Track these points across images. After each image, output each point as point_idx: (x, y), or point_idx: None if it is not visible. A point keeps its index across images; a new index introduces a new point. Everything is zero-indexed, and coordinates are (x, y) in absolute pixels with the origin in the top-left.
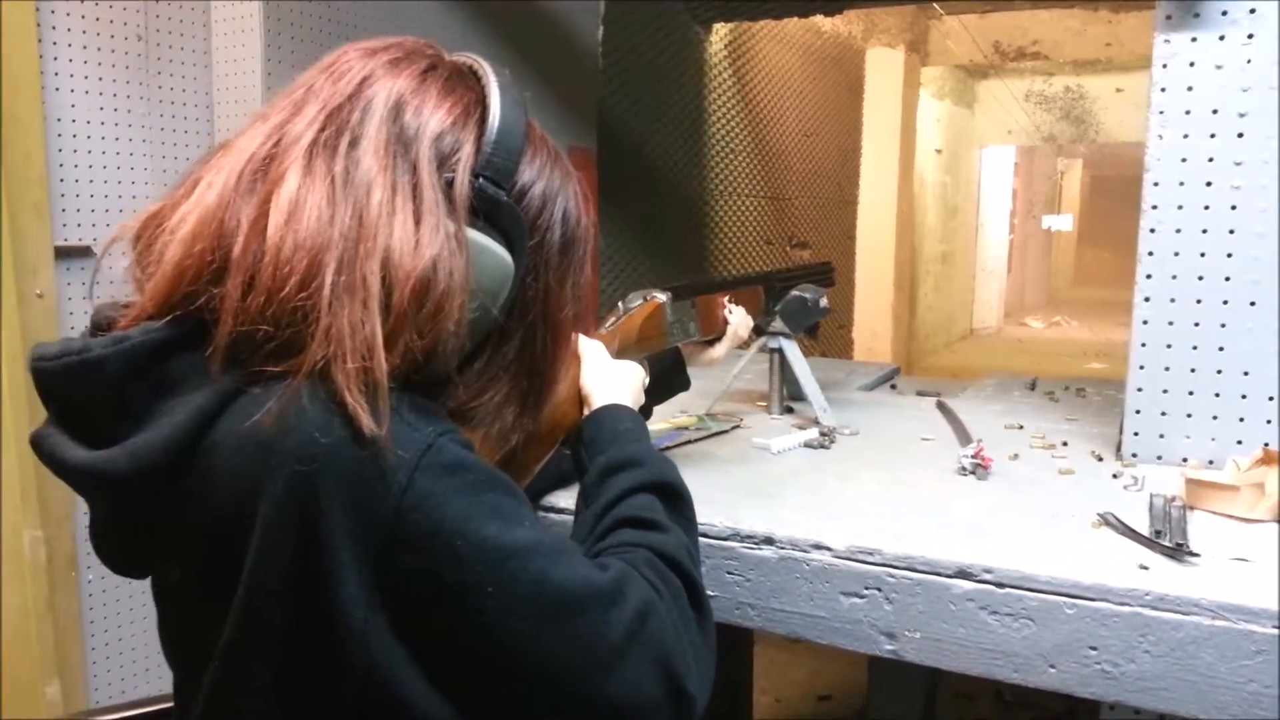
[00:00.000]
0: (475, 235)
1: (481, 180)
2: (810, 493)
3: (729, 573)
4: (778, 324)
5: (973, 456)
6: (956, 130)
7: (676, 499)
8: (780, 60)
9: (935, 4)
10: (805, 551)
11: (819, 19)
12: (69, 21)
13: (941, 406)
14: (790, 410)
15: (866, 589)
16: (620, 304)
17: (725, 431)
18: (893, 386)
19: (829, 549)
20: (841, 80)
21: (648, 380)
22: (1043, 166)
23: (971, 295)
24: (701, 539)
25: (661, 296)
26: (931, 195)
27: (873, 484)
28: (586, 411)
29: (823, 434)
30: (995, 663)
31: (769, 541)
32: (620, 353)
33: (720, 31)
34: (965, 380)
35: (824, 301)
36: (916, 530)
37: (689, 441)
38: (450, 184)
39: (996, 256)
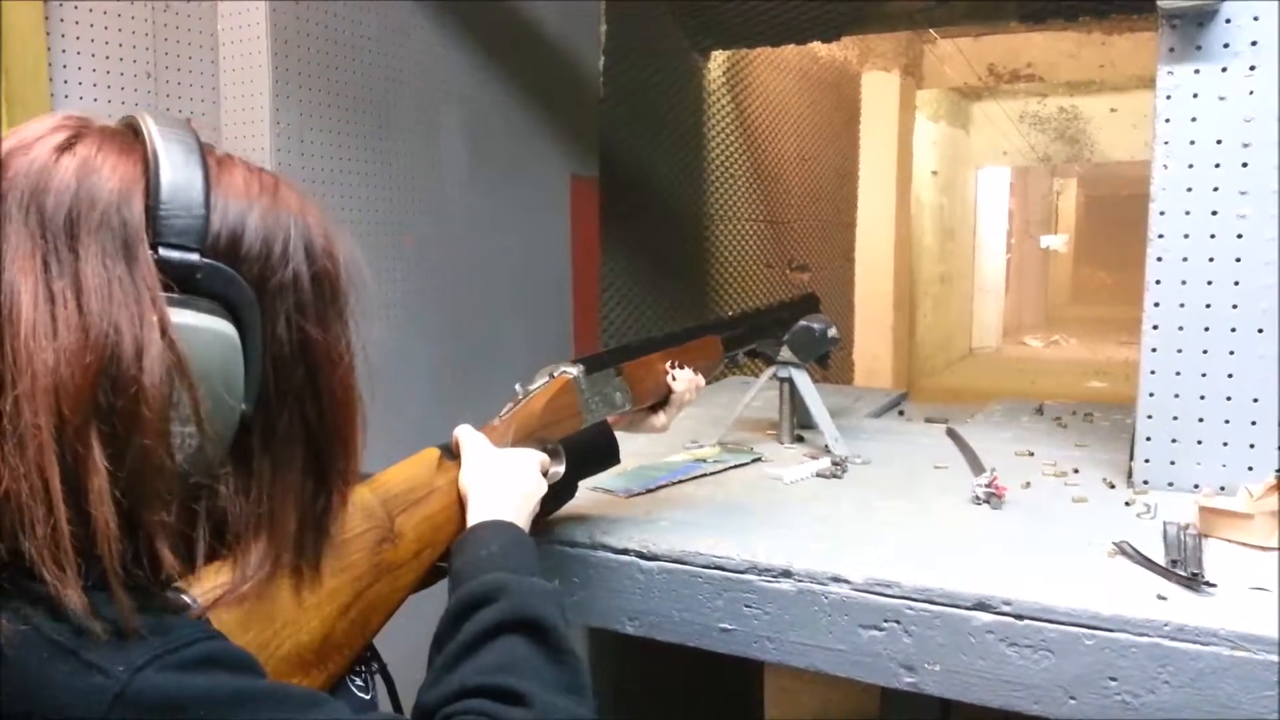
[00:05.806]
0: (179, 315)
1: (163, 250)
2: (825, 524)
3: (747, 606)
4: (786, 354)
5: (987, 486)
6: (952, 152)
7: (544, 634)
8: (778, 86)
9: (930, 29)
10: (823, 584)
11: (815, 45)
12: (79, 45)
13: (952, 434)
14: (801, 439)
15: (886, 622)
16: (518, 386)
17: (744, 465)
18: (900, 413)
19: (847, 581)
20: (838, 104)
21: (561, 463)
22: (1038, 186)
23: (970, 315)
24: (718, 572)
25: (572, 371)
26: (928, 216)
27: (888, 514)
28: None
29: (835, 463)
30: (1015, 695)
31: (787, 574)
32: (519, 441)
33: (719, 59)
34: (969, 403)
35: (833, 331)
36: (934, 562)
37: (706, 474)
38: (130, 262)
39: (994, 276)
